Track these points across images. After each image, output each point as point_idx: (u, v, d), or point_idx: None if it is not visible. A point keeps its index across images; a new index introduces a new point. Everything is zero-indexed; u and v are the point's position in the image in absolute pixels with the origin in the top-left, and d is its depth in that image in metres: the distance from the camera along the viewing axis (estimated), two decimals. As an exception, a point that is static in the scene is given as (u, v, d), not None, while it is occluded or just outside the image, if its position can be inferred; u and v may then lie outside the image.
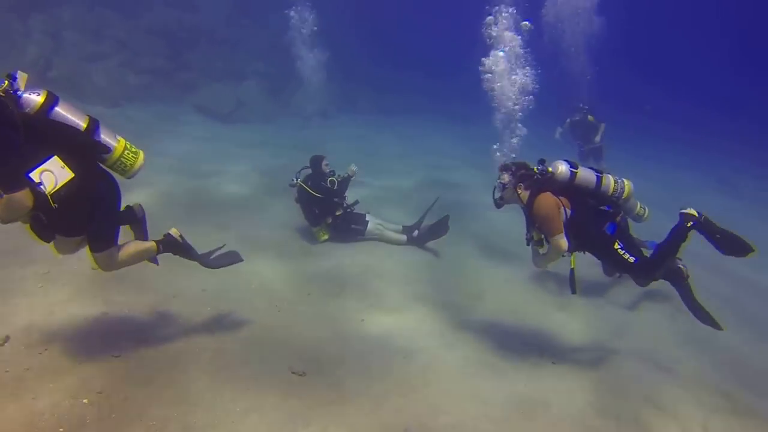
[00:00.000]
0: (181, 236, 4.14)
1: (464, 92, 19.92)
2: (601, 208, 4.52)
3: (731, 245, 4.37)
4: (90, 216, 3.51)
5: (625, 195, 4.55)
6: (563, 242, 4.28)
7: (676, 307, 5.87)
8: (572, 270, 4.48)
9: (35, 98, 3.21)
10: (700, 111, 24.52)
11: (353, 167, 7.24)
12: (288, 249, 6.73)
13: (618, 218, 4.54)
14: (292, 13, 14.37)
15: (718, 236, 4.38)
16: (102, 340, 4.14)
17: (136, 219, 4.06)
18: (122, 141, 3.60)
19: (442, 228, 7.05)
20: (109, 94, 13.85)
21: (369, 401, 3.94)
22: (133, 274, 5.15)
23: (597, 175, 4.49)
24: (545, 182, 4.46)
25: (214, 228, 6.82)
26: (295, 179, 7.00)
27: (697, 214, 4.42)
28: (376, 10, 22.93)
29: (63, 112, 3.32)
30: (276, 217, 7.67)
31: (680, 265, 4.47)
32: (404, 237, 7.21)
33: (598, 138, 10.19)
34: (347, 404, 3.88)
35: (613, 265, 4.77)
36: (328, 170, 7.06)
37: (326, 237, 7.09)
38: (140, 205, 4.14)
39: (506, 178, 4.56)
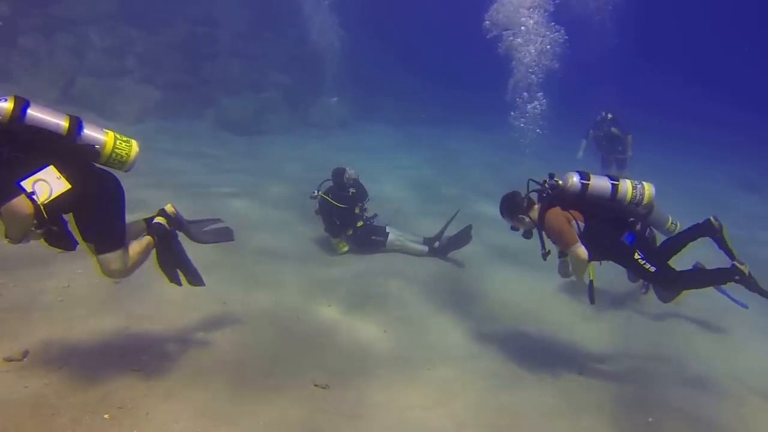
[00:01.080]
0: (174, 213, 3.98)
1: (486, 103, 19.97)
2: (618, 218, 4.37)
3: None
4: (97, 217, 3.37)
5: (645, 200, 4.33)
6: (581, 251, 4.14)
7: (705, 318, 5.77)
8: (591, 281, 4.32)
9: (3, 105, 2.98)
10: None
11: (351, 171, 7.09)
12: (308, 261, 6.67)
13: (637, 227, 4.38)
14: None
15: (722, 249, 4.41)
16: (122, 354, 4.08)
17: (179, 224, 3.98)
18: (111, 133, 3.36)
19: (464, 238, 6.93)
20: (131, 110, 14.05)
21: (394, 414, 3.83)
22: (154, 288, 5.15)
23: (612, 183, 4.31)
24: (556, 196, 4.34)
25: (235, 242, 6.77)
26: (316, 191, 6.95)
27: (718, 225, 4.41)
28: (398, 20, 23.04)
29: (38, 114, 3.10)
30: (295, 229, 7.61)
31: (736, 264, 4.31)
32: (425, 248, 7.10)
33: (630, 152, 9.93)
34: (372, 417, 3.78)
35: (636, 274, 4.63)
36: (350, 182, 6.99)
37: (346, 249, 7.01)
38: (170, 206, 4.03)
39: (510, 221, 4.51)
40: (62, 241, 3.31)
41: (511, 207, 4.47)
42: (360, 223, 7.05)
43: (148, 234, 3.78)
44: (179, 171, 9.95)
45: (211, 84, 16.05)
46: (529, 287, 6.35)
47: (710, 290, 5.42)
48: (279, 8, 18.84)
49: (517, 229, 4.57)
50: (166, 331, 4.52)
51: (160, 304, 4.94)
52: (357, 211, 7.04)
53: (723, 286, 5.42)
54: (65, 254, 5.53)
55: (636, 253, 4.25)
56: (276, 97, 16.48)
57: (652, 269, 4.23)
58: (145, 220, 3.88)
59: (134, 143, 3.43)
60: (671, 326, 5.81)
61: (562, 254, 4.52)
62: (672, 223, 5.96)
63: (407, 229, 7.41)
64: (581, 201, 4.31)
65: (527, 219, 4.42)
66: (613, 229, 4.33)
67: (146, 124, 13.83)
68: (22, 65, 13.65)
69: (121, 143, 3.35)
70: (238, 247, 6.61)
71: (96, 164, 3.36)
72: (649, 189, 4.35)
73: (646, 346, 5.31)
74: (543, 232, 4.39)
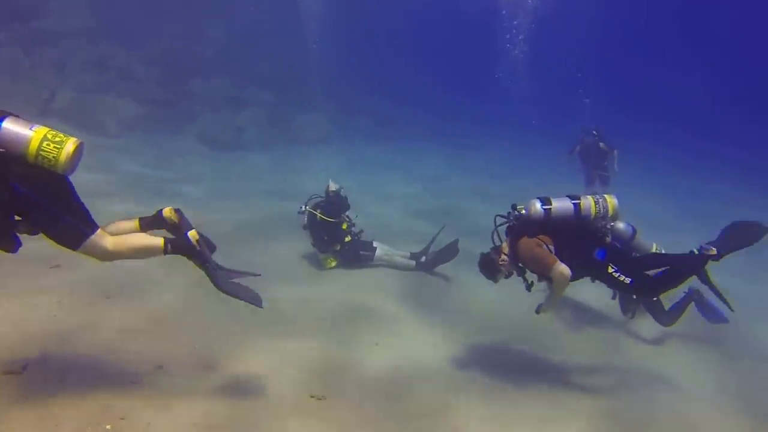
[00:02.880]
0: (198, 241, 3.61)
1: (466, 128, 20.36)
2: (586, 236, 4.46)
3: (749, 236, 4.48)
4: (40, 217, 3.15)
5: (610, 213, 4.43)
6: (563, 268, 4.19)
7: (698, 335, 5.92)
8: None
9: None
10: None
11: (333, 183, 7.19)
12: (297, 276, 6.75)
13: (607, 241, 4.46)
14: None
15: (736, 245, 4.46)
16: (120, 366, 4.13)
17: (166, 225, 3.68)
18: (40, 131, 3.01)
19: (451, 252, 7.08)
20: (112, 125, 13.99)
21: (391, 424, 3.93)
22: (147, 302, 5.21)
23: (574, 203, 4.42)
24: (522, 226, 4.46)
25: (219, 255, 6.83)
26: (303, 207, 7.06)
27: (717, 254, 4.44)
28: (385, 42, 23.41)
29: None
30: (282, 245, 7.69)
31: (703, 246, 4.52)
32: (413, 262, 7.25)
33: (615, 167, 10.15)
34: (369, 427, 3.87)
35: (613, 287, 4.75)
36: (332, 194, 7.11)
37: (334, 264, 7.11)
38: (174, 209, 3.77)
39: (494, 277, 4.65)
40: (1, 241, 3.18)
41: (488, 266, 4.61)
42: (348, 238, 7.16)
43: (164, 239, 3.52)
44: (159, 182, 9.98)
45: (192, 99, 16.09)
46: (516, 301, 6.51)
47: (692, 310, 5.71)
48: (261, 25, 19.09)
49: (509, 276, 4.66)
50: (162, 344, 4.56)
51: (154, 317, 4.99)
52: (344, 227, 7.16)
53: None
54: (57, 269, 5.67)
55: (609, 267, 4.34)
56: (257, 113, 16.58)
57: (627, 281, 4.31)
58: (166, 240, 3.56)
59: (69, 142, 3.06)
60: (658, 341, 5.94)
61: (542, 278, 4.55)
62: (657, 248, 6.07)
63: (394, 244, 7.55)
64: (547, 226, 4.41)
65: (506, 261, 4.52)
66: (583, 247, 4.42)
67: (127, 138, 13.77)
68: (2, 79, 13.53)
69: (49, 144, 3.00)
70: (225, 260, 6.69)
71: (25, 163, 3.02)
72: (612, 201, 4.44)
73: (632, 360, 5.46)
74: (520, 264, 4.50)
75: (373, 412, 4.06)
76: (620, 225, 5.29)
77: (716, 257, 4.42)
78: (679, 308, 5.70)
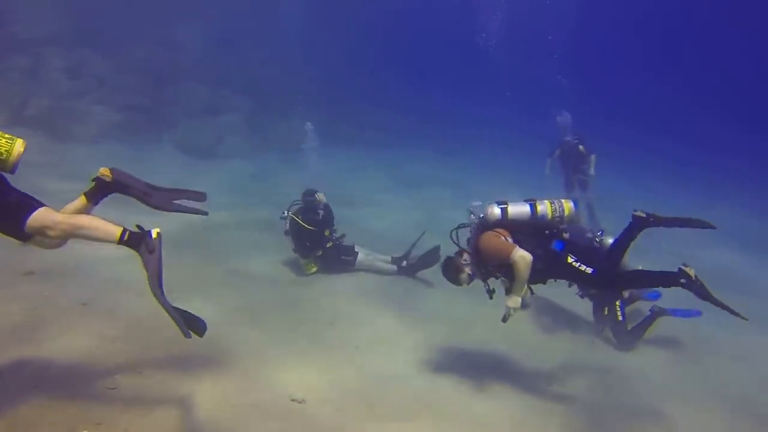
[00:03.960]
0: (158, 241, 3.25)
1: (454, 135, 20.47)
2: (543, 230, 4.52)
3: (691, 223, 4.36)
4: None
5: (566, 214, 4.49)
6: (522, 252, 4.16)
7: (671, 335, 6.04)
8: (524, 298, 4.41)
9: None
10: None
11: (320, 195, 7.19)
12: (278, 281, 6.73)
13: (564, 235, 4.51)
14: None
15: (672, 223, 4.38)
16: (96, 373, 4.04)
17: (106, 185, 3.47)
18: None
19: (432, 258, 7.11)
20: (87, 132, 13.77)
21: (372, 426, 3.93)
22: (123, 308, 5.11)
23: (530, 204, 4.50)
24: (481, 227, 4.52)
25: (202, 262, 6.81)
26: (286, 212, 7.04)
27: (645, 214, 4.38)
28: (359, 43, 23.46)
29: None
30: (264, 250, 7.65)
31: (682, 268, 4.26)
32: (394, 267, 7.27)
33: (592, 170, 10.22)
34: (350, 430, 3.85)
35: (574, 280, 4.64)
36: (318, 204, 7.12)
37: (315, 269, 7.09)
38: (108, 168, 3.53)
39: (457, 281, 4.64)
40: None
41: (451, 270, 4.62)
42: (329, 244, 7.16)
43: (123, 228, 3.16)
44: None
45: (170, 107, 15.93)
46: (495, 306, 6.55)
47: (665, 318, 5.84)
48: (240, 32, 19.06)
49: (473, 279, 4.64)
50: (139, 351, 4.48)
51: (130, 323, 4.90)
52: (327, 233, 7.15)
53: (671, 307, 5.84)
54: (30, 276, 5.55)
55: (569, 257, 4.33)
56: (237, 120, 16.48)
57: (589, 270, 4.26)
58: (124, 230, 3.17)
59: (19, 142, 3.01)
60: (631, 353, 5.95)
61: (504, 272, 4.50)
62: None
63: (375, 249, 7.56)
64: (505, 226, 4.47)
65: (467, 259, 4.55)
66: (540, 239, 4.46)
67: (103, 146, 13.56)
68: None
69: (0, 139, 2.97)
70: (208, 268, 6.65)
71: None
72: (568, 204, 4.53)
73: (608, 361, 5.56)
74: (483, 265, 4.49)
75: (354, 416, 4.06)
76: (609, 240, 5.41)
77: (690, 284, 4.07)
78: (642, 327, 5.84)
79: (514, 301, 4.32)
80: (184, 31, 18.05)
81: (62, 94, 14.45)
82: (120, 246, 3.11)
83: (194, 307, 5.19)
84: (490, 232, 4.41)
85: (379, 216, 10.53)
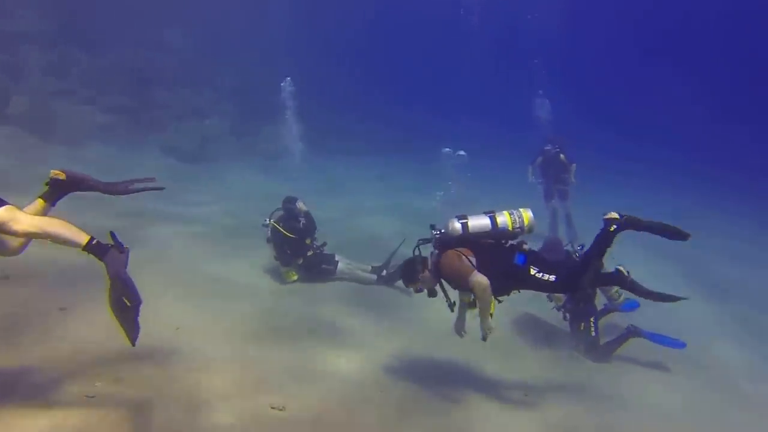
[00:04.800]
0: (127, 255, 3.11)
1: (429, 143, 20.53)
2: (504, 245, 4.59)
3: (666, 232, 4.35)
4: None
5: (526, 225, 4.53)
6: (480, 277, 4.27)
7: (648, 354, 6.10)
8: (491, 314, 4.45)
9: None
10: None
11: (301, 204, 7.27)
12: (259, 289, 6.77)
13: (525, 247, 4.58)
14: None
15: (647, 229, 4.38)
16: (74, 381, 4.04)
17: (62, 186, 3.41)
18: None
19: (411, 267, 7.20)
20: (72, 133, 13.63)
21: (350, 435, 4.00)
22: (102, 315, 5.09)
23: (489, 216, 4.55)
24: (443, 242, 4.59)
25: (182, 270, 6.82)
26: (267, 220, 7.09)
27: (618, 216, 4.39)
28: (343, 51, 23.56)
29: None
30: (245, 258, 7.68)
31: (619, 268, 4.48)
32: (374, 276, 7.35)
33: (573, 179, 10.34)
34: (327, 439, 3.93)
35: (539, 289, 4.65)
36: (300, 212, 7.18)
37: (295, 278, 7.14)
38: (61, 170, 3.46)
39: (413, 286, 4.71)
40: None
41: (408, 272, 4.68)
42: (310, 252, 7.22)
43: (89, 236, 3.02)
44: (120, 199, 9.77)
45: (156, 109, 15.86)
46: (472, 315, 6.67)
47: (646, 342, 5.97)
48: (227, 37, 19.03)
49: (422, 290, 4.70)
50: (118, 358, 4.49)
51: (110, 330, 4.89)
52: (308, 241, 7.22)
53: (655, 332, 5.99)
54: (5, 280, 5.52)
55: (531, 269, 4.42)
56: (222, 125, 16.47)
57: (551, 278, 4.38)
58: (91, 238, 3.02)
59: None
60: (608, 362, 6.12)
61: (468, 304, 4.71)
62: (616, 291, 6.27)
63: (356, 258, 7.64)
64: (466, 241, 4.53)
65: (427, 276, 4.61)
66: (502, 254, 4.53)
67: (87, 147, 13.45)
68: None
69: None
70: (188, 274, 6.67)
71: None
72: (527, 214, 4.56)
73: (586, 376, 5.67)
74: (443, 281, 4.59)
75: (333, 424, 4.12)
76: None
77: (619, 224, 4.33)
78: (615, 344, 5.97)
79: (486, 324, 4.43)
80: (171, 34, 17.99)
81: (45, 93, 14.29)
82: (82, 252, 2.99)
83: (174, 314, 5.30)
84: (452, 253, 4.46)
85: (360, 225, 10.60)
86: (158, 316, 5.18)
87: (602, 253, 4.42)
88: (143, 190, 3.67)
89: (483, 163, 18.62)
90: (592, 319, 6.06)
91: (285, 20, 17.06)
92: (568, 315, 6.18)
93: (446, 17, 27.16)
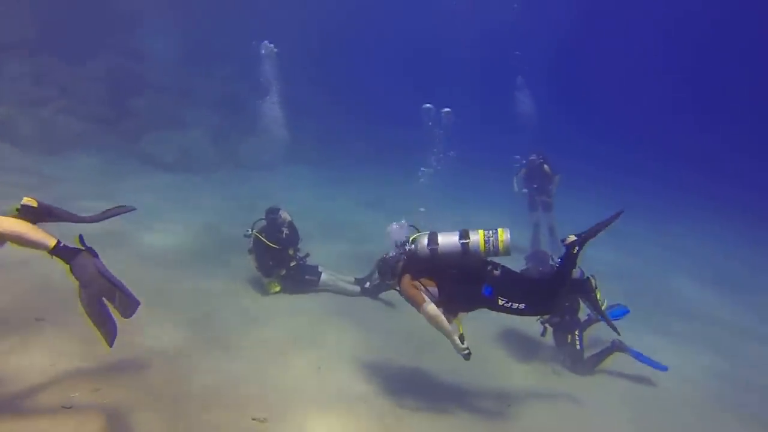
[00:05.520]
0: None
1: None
2: (471, 274, 4.46)
3: (607, 222, 4.42)
4: None
5: (500, 248, 4.37)
6: (429, 309, 4.34)
7: (627, 370, 6.17)
8: (461, 334, 4.46)
9: None
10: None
11: (285, 214, 7.26)
12: (241, 300, 6.70)
13: (495, 273, 4.46)
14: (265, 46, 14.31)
15: (597, 232, 4.42)
16: (51, 391, 3.97)
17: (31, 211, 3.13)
18: None
19: (394, 279, 7.21)
20: (48, 141, 13.44)
21: (332, 447, 3.97)
22: (80, 325, 5.00)
23: (462, 243, 4.41)
24: (410, 261, 4.57)
25: (164, 280, 6.73)
26: (250, 230, 7.04)
27: (576, 237, 4.43)
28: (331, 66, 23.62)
29: None
30: (227, 268, 7.62)
31: (588, 276, 4.59)
32: (357, 288, 7.34)
33: (554, 189, 10.35)
34: (310, 451, 3.89)
35: (512, 314, 4.59)
36: (283, 222, 7.16)
37: (278, 289, 7.09)
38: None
39: (384, 280, 4.86)
40: None
41: (384, 268, 4.77)
42: (293, 263, 7.18)
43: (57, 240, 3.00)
44: (97, 203, 9.64)
45: (137, 119, 15.70)
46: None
47: (630, 358, 6.03)
48: (208, 46, 19.00)
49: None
50: (96, 368, 4.42)
51: (87, 341, 4.80)
52: (291, 252, 7.18)
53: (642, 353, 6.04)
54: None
55: (499, 300, 4.38)
56: (204, 135, 16.35)
57: (521, 306, 4.36)
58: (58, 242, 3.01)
59: None
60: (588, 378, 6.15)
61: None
62: (600, 299, 6.29)
63: (339, 269, 7.62)
64: (433, 264, 4.47)
65: (395, 284, 4.72)
66: (468, 286, 4.43)
67: (66, 156, 13.26)
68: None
69: None
70: (169, 284, 6.59)
71: None
72: (503, 236, 4.36)
73: (567, 387, 5.71)
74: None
75: (316, 435, 4.09)
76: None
77: (577, 242, 4.39)
78: (599, 357, 6.03)
79: (456, 347, 4.44)
80: (151, 43, 17.89)
81: (23, 101, 14.09)
82: (49, 256, 2.99)
83: (156, 326, 5.23)
84: (407, 282, 4.48)
85: (342, 236, 10.59)
86: (135, 326, 5.12)
87: (569, 277, 4.50)
88: (116, 215, 3.59)
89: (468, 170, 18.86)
90: (576, 332, 6.12)
91: (269, 29, 17.00)
92: (547, 327, 6.17)
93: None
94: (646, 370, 6.05)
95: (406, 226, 4.80)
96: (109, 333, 3.15)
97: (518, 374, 5.82)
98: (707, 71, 32.92)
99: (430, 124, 11.84)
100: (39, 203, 3.22)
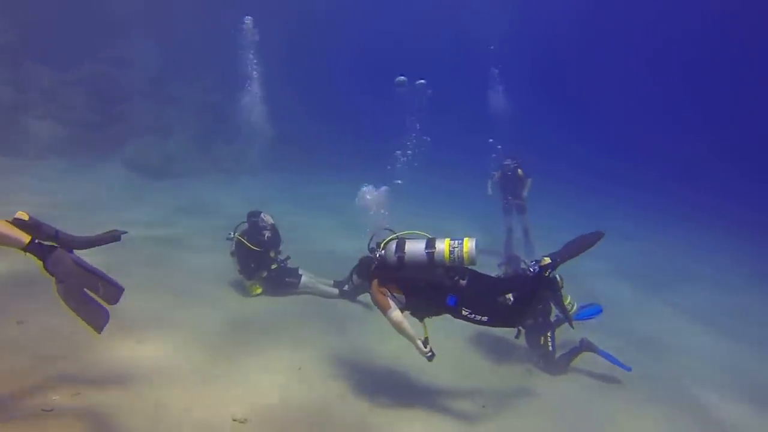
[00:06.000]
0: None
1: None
2: (436, 283, 4.51)
3: (584, 245, 4.54)
4: None
5: (465, 259, 4.38)
6: (394, 316, 4.49)
7: (597, 368, 6.32)
8: (426, 338, 4.61)
9: None
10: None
11: (268, 217, 7.38)
12: (223, 302, 6.79)
13: (462, 283, 4.50)
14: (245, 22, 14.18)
15: (573, 252, 4.54)
16: (31, 395, 4.03)
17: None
18: None
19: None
20: (32, 147, 13.37)
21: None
22: (63, 328, 5.06)
23: (427, 252, 4.43)
24: (379, 266, 4.67)
25: (147, 284, 6.78)
26: (232, 233, 7.13)
27: (550, 259, 4.50)
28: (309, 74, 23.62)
29: None
30: (209, 271, 7.68)
31: (557, 276, 4.58)
32: (336, 290, 7.45)
33: (525, 193, 10.52)
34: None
35: (474, 324, 4.63)
36: (265, 224, 7.26)
37: (260, 291, 7.19)
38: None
39: (360, 279, 4.99)
40: None
41: (361, 269, 4.92)
42: (274, 266, 7.28)
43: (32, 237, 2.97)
44: (83, 208, 9.65)
45: (121, 125, 15.68)
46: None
47: (594, 356, 6.19)
48: (192, 54, 18.97)
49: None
50: (77, 371, 4.49)
51: (68, 345, 4.87)
52: (272, 255, 7.28)
53: (608, 351, 6.19)
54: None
55: (462, 310, 4.45)
56: (187, 141, 16.35)
57: (484, 319, 4.44)
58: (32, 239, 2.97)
59: None
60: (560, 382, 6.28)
61: None
62: (570, 302, 6.28)
63: (319, 272, 7.73)
64: (400, 270, 4.55)
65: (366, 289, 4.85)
66: (433, 295, 4.51)
67: (49, 161, 13.18)
68: None
69: None
70: (150, 287, 6.64)
71: None
72: (468, 246, 4.36)
73: (542, 387, 5.85)
74: None
75: (294, 434, 4.18)
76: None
77: (551, 265, 4.47)
78: (569, 357, 6.19)
79: (419, 351, 4.59)
80: (136, 50, 17.84)
81: (6, 106, 13.97)
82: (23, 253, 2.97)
83: (136, 329, 5.28)
84: (375, 287, 4.62)
85: (322, 239, 10.69)
86: (118, 331, 5.18)
87: (537, 301, 4.68)
88: (104, 243, 3.44)
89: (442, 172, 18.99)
90: (549, 334, 6.28)
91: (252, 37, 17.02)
92: (521, 330, 6.28)
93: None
94: (613, 369, 6.22)
95: (383, 230, 4.88)
96: (97, 319, 3.16)
97: (493, 375, 5.94)
98: (700, 73, 33.51)
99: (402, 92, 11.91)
100: (31, 218, 3.17)
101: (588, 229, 4.72)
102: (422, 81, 12.42)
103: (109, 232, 3.46)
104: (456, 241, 4.43)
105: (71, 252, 3.11)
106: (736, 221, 17.67)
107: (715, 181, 22.91)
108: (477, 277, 4.65)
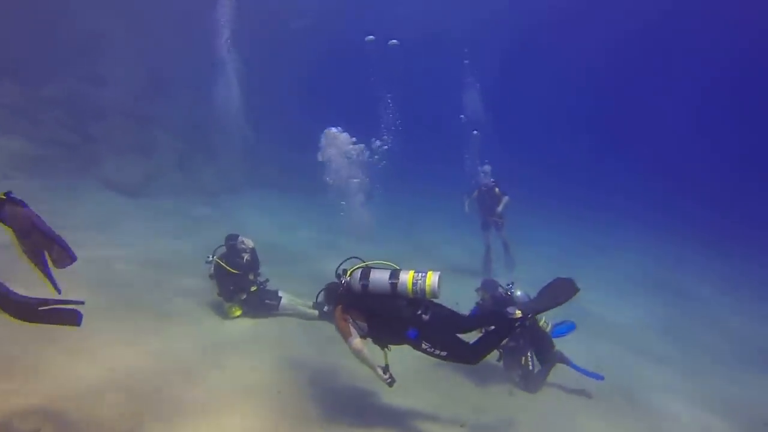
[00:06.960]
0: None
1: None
2: (398, 316, 4.48)
3: (558, 298, 4.57)
4: None
5: (427, 292, 4.37)
6: (353, 342, 4.50)
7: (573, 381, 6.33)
8: (386, 365, 4.65)
9: None
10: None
11: (248, 241, 7.35)
12: (201, 324, 6.71)
13: (425, 317, 4.47)
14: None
15: (546, 305, 4.63)
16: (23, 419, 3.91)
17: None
18: None
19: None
20: (3, 166, 13.07)
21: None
22: (27, 359, 4.90)
23: (391, 282, 4.43)
24: (344, 293, 4.68)
25: (124, 305, 6.66)
26: (211, 256, 7.06)
27: (522, 314, 4.49)
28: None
29: None
30: (188, 293, 7.57)
31: (510, 314, 4.53)
32: (316, 312, 7.38)
33: (500, 209, 10.69)
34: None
35: (433, 357, 4.61)
36: (243, 247, 7.20)
37: (239, 313, 7.11)
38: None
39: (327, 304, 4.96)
40: None
41: (328, 294, 4.89)
42: (254, 288, 7.20)
43: None
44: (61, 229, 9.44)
45: (97, 143, 15.41)
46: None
47: (567, 368, 6.21)
48: (173, 71, 18.88)
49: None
50: (43, 406, 4.34)
51: (34, 377, 4.73)
52: (251, 277, 7.21)
53: (577, 363, 6.23)
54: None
55: (423, 344, 4.45)
56: (167, 159, 16.17)
57: (443, 354, 4.45)
58: None
59: None
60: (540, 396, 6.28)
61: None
62: (545, 322, 6.36)
63: (298, 294, 7.65)
64: (365, 298, 4.57)
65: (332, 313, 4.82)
66: (394, 326, 4.52)
67: (18, 181, 12.86)
68: None
69: None
70: (128, 311, 6.51)
71: None
72: (430, 280, 4.34)
73: (522, 403, 5.88)
74: None
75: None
76: (518, 293, 5.96)
77: (522, 320, 4.49)
78: (545, 372, 6.20)
79: (378, 377, 4.62)
80: (116, 68, 17.69)
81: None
82: None
83: (108, 355, 5.16)
84: (339, 313, 4.63)
85: (302, 261, 10.60)
86: (95, 354, 5.08)
87: (497, 344, 4.72)
88: (59, 323, 3.20)
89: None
90: (529, 354, 6.27)
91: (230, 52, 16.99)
92: (501, 352, 6.25)
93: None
94: (586, 380, 6.24)
95: (352, 259, 4.83)
96: (71, 319, 3.15)
97: (475, 395, 5.91)
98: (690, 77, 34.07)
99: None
100: (7, 196, 3.16)
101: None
102: (395, 41, 12.36)
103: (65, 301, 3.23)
104: (420, 274, 4.42)
105: (27, 206, 3.07)
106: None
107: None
108: (439, 312, 4.63)
